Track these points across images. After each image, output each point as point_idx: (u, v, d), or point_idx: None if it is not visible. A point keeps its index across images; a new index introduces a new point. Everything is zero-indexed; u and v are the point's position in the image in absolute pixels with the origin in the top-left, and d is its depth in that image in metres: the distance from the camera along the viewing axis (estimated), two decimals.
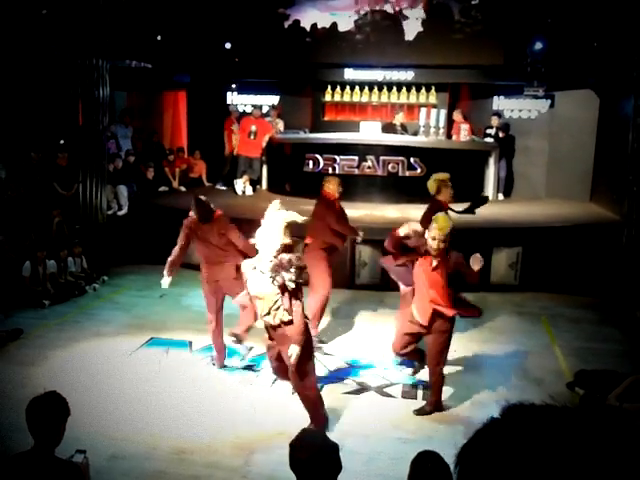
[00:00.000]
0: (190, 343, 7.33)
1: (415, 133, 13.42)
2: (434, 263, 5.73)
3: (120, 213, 12.09)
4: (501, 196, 13.35)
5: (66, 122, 11.40)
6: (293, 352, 5.05)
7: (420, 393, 6.38)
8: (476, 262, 5.89)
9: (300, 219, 5.38)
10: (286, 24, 13.88)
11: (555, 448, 0.95)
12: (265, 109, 14.35)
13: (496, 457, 0.98)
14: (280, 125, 13.98)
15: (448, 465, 3.28)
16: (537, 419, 1.01)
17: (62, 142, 11.72)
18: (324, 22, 13.78)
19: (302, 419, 5.56)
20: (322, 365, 7.10)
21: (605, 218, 11.24)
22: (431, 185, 7.61)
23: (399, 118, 13.37)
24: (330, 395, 6.35)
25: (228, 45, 13.75)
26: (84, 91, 11.01)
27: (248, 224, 10.49)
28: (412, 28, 13.51)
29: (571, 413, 1.02)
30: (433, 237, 5.68)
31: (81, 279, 9.84)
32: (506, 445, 0.98)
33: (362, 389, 6.52)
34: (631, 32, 9.71)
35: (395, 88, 14.26)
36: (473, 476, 1.01)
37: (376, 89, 14.32)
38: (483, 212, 11.59)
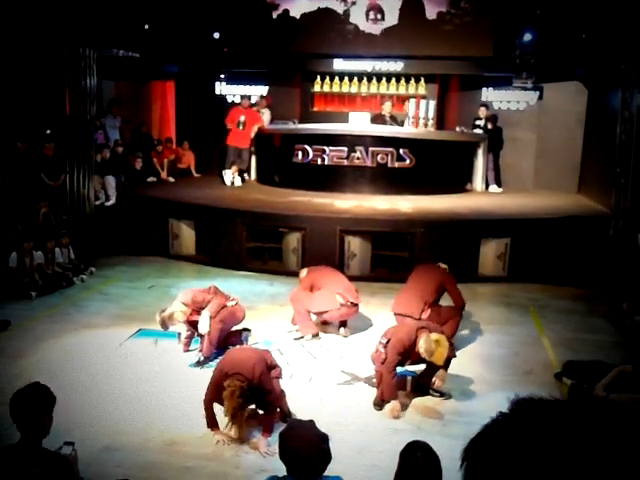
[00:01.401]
0: (179, 334, 7.30)
1: (402, 123, 13.41)
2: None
3: (108, 204, 12.04)
4: (495, 187, 13.33)
5: (53, 112, 11.30)
6: None
7: (409, 383, 6.40)
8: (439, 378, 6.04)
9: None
10: (275, 14, 13.82)
11: (564, 443, 0.95)
12: (254, 99, 14.30)
13: (505, 452, 0.98)
14: (266, 116, 13.91)
15: (437, 455, 3.30)
16: (546, 414, 1.01)
17: (49, 132, 11.62)
18: (314, 12, 13.73)
19: (294, 412, 5.60)
20: (313, 357, 7.13)
21: (593, 210, 11.30)
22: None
23: (387, 108, 13.35)
24: (321, 386, 6.37)
25: (217, 35, 13.68)
26: (71, 80, 10.93)
27: (237, 215, 10.54)
28: (397, 18, 13.53)
29: (580, 408, 1.02)
30: (428, 352, 5.78)
31: (68, 270, 9.78)
32: (515, 440, 0.98)
33: (352, 380, 6.55)
34: (619, 25, 9.74)
35: (384, 79, 14.25)
36: (481, 471, 1.01)
37: (365, 80, 14.31)
38: (472, 203, 11.66)
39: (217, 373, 5.36)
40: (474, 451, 1.03)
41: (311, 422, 3.34)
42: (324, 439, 3.17)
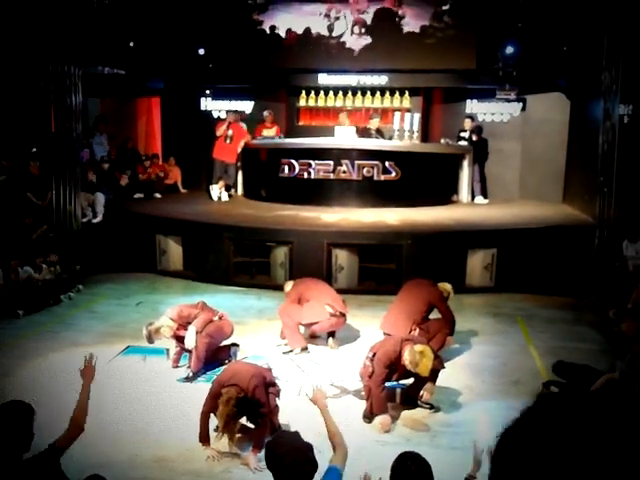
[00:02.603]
0: (167, 350, 7.29)
1: (390, 137, 13.49)
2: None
3: (95, 221, 12.00)
4: (481, 199, 13.42)
5: (38, 129, 11.29)
6: None
7: (398, 395, 6.41)
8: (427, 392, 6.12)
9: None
10: (260, 29, 13.90)
11: (588, 433, 0.98)
12: (223, 115, 14.13)
13: (532, 444, 1.00)
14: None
15: (428, 463, 3.33)
16: (569, 406, 1.03)
17: (34, 150, 11.60)
18: (298, 27, 13.84)
19: (284, 425, 5.60)
20: (302, 371, 7.12)
21: (577, 219, 11.40)
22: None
23: (374, 123, 13.42)
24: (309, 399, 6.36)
25: (202, 51, 13.74)
26: (56, 98, 10.91)
27: (224, 230, 10.55)
28: (381, 32, 13.66)
29: (602, 400, 1.05)
30: (413, 363, 5.76)
31: (56, 288, 9.72)
32: (541, 432, 1.00)
33: (341, 393, 6.55)
34: (599, 36, 9.87)
35: (369, 93, 14.36)
36: (509, 463, 1.03)
37: (350, 94, 14.41)
38: (458, 215, 11.73)
39: (215, 384, 5.44)
40: (503, 444, 1.05)
41: (296, 432, 3.37)
42: (310, 447, 3.19)
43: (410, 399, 6.28)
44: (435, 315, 7.52)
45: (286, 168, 12.52)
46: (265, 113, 14.09)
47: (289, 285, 8.04)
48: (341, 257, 10.14)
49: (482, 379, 6.92)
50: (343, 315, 7.68)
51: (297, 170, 12.44)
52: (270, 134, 13.75)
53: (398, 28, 13.55)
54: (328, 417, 3.71)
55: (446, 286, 7.61)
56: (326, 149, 12.50)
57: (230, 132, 13.07)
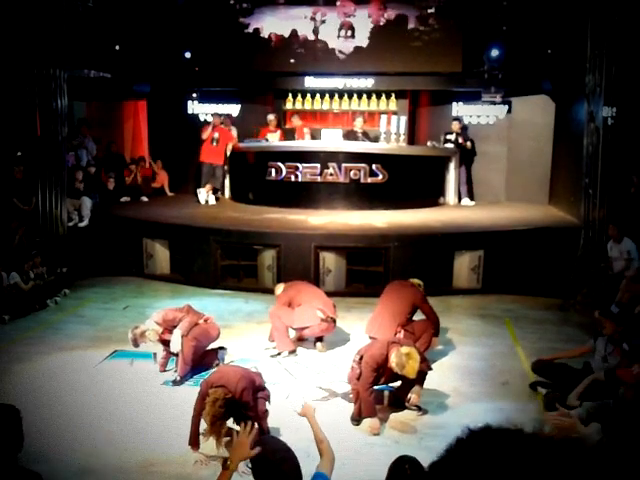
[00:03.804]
0: (154, 354, 7.27)
1: (376, 140, 13.53)
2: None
3: (81, 225, 11.93)
4: (467, 201, 13.47)
5: (23, 133, 11.20)
6: None
7: (386, 397, 6.43)
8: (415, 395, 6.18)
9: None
10: (246, 33, 13.90)
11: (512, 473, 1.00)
12: (210, 118, 14.09)
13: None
14: (234, 133, 13.90)
15: (424, 469, 3.34)
16: (497, 444, 1.06)
17: (19, 154, 11.52)
18: (284, 31, 13.85)
19: (272, 429, 5.59)
20: (290, 374, 7.12)
21: (563, 220, 11.47)
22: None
23: (359, 123, 13.46)
24: (299, 403, 6.36)
25: (188, 54, 13.72)
26: (41, 101, 10.85)
27: (211, 234, 10.53)
28: (367, 35, 13.70)
29: (528, 439, 1.07)
30: (400, 365, 5.75)
31: (42, 292, 9.65)
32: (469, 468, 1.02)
33: (329, 396, 6.55)
34: (583, 39, 9.96)
35: (356, 95, 14.39)
36: None
37: (337, 96, 14.44)
38: (445, 217, 11.78)
39: (204, 385, 5.44)
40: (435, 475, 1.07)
41: (274, 437, 3.38)
42: (289, 448, 3.23)
43: (398, 401, 6.29)
44: (418, 316, 7.54)
45: (273, 171, 12.53)
46: (270, 117, 13.96)
47: (280, 288, 8.02)
48: (329, 260, 10.15)
49: (470, 381, 6.95)
50: (334, 320, 7.69)
51: (284, 173, 12.44)
52: (274, 138, 13.64)
53: (385, 31, 13.59)
54: (316, 426, 3.72)
55: (417, 281, 7.67)
56: (313, 152, 12.52)
57: (216, 134, 13.05)
